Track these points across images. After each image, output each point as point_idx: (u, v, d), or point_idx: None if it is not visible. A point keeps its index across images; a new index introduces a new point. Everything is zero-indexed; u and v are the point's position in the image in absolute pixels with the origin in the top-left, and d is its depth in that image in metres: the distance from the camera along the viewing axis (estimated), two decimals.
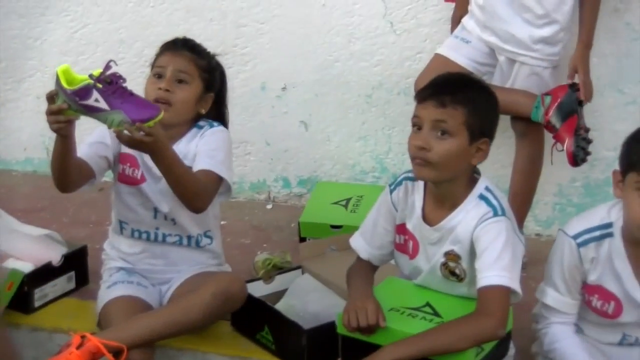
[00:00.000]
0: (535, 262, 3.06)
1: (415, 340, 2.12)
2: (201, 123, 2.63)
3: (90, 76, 2.26)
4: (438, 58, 3.09)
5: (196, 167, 2.51)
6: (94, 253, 2.96)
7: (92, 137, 2.63)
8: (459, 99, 2.17)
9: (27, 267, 2.85)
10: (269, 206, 3.75)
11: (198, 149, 2.56)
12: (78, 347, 2.32)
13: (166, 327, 2.43)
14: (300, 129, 3.66)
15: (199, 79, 2.58)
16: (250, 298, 2.62)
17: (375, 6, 3.43)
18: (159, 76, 2.56)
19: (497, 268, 2.13)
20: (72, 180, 2.51)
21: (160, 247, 2.65)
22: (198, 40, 3.58)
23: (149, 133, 2.27)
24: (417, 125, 2.20)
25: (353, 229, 2.53)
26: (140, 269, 2.66)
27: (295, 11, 3.54)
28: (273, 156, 3.73)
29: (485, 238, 2.17)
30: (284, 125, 3.67)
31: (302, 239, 3.21)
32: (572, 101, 2.99)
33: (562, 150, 2.99)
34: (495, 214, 2.19)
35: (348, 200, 3.35)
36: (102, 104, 2.25)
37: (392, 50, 3.44)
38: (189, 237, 2.65)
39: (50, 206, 3.65)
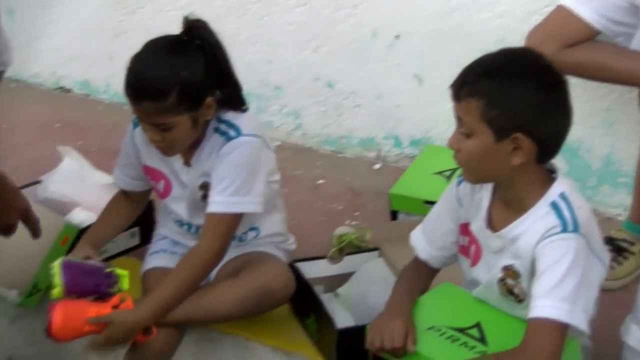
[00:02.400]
0: None
1: None
2: (222, 128, 2.28)
3: None
4: (559, 11, 2.62)
5: (208, 206, 2.27)
6: None
7: (119, 159, 2.49)
8: (473, 89, 1.81)
9: (91, 218, 2.78)
10: (377, 166, 3.48)
11: (213, 174, 2.27)
12: (114, 307, 2.23)
13: (197, 314, 2.27)
14: (413, 84, 3.32)
15: (180, 116, 2.17)
16: (300, 280, 2.41)
17: None
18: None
19: (554, 297, 1.76)
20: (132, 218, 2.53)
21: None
22: None
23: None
24: None
25: None
26: (187, 243, 2.47)
27: None
28: (383, 111, 3.42)
29: (546, 258, 1.80)
30: (396, 78, 3.34)
31: (394, 213, 2.93)
32: None
33: None
34: (564, 230, 1.80)
35: (453, 171, 2.99)
36: None
37: (518, 1, 3.00)
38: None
39: None
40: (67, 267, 2.19)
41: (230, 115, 2.28)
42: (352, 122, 3.51)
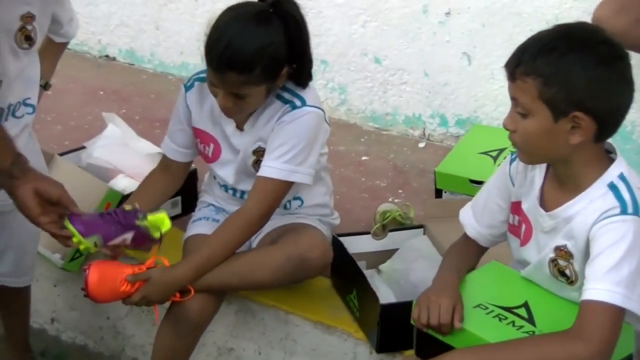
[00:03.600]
0: None
1: (488, 352, 1.77)
2: (286, 96, 2.27)
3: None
4: None
5: (260, 170, 2.27)
6: None
7: (170, 127, 2.45)
8: (530, 68, 1.75)
9: (134, 185, 2.76)
10: (422, 144, 3.43)
11: (270, 140, 2.26)
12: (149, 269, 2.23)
13: (232, 279, 2.25)
14: (463, 62, 3.27)
15: (259, 87, 2.19)
16: (344, 255, 2.38)
17: None
18: (213, 85, 2.21)
19: (609, 280, 1.71)
20: (169, 194, 2.52)
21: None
22: None
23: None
24: None
25: None
26: (231, 211, 2.44)
27: None
28: (431, 89, 3.38)
29: (603, 239, 1.74)
30: (445, 56, 3.30)
31: (438, 191, 2.88)
32: None
33: None
34: (624, 212, 1.74)
35: (500, 151, 2.94)
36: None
37: None
38: None
39: None
40: (74, 217, 2.10)
41: (293, 85, 2.27)
42: (398, 99, 3.46)
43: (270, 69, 2.17)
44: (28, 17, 2.14)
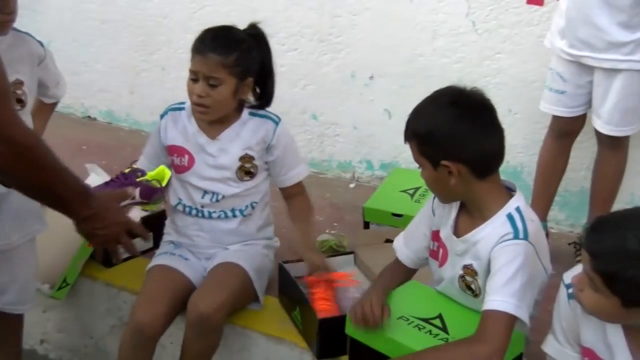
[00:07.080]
0: None
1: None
2: (260, 112, 2.32)
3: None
4: (553, 121, 2.68)
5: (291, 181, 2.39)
6: None
7: (145, 149, 2.45)
8: (408, 132, 1.82)
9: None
10: (352, 185, 3.44)
11: (277, 157, 2.35)
12: None
13: None
14: (384, 117, 3.30)
15: (230, 77, 2.20)
16: (288, 278, 2.36)
17: (459, 5, 2.99)
18: (194, 80, 2.22)
19: (503, 293, 1.72)
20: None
21: (208, 222, 2.39)
22: (297, 27, 3.36)
23: None
24: None
25: (412, 219, 2.18)
26: (188, 243, 2.42)
27: (385, 6, 3.16)
28: (359, 140, 3.40)
29: (499, 259, 1.77)
30: (370, 112, 3.32)
31: (366, 223, 2.89)
32: None
33: None
34: (516, 237, 1.77)
35: (416, 189, 2.97)
36: None
37: (473, 48, 3.00)
38: (233, 210, 2.38)
39: None
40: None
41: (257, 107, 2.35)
42: (332, 148, 3.48)
43: (243, 61, 2.19)
44: (18, 83, 2.13)
